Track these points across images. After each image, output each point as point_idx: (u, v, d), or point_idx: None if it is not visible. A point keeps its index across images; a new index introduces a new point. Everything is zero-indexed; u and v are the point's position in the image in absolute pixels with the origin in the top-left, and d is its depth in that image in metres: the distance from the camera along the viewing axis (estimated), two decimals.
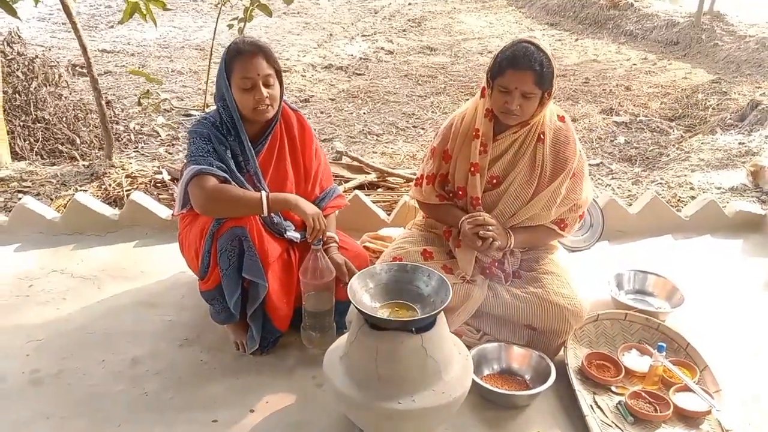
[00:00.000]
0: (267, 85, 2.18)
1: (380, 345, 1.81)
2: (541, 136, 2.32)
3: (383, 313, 1.91)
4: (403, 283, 2.00)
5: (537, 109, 2.24)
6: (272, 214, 2.27)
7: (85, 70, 7.27)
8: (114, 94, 6.56)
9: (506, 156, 2.34)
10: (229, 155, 2.21)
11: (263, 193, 2.14)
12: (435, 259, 2.38)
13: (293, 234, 2.34)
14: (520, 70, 2.14)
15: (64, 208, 3.30)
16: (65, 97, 5.39)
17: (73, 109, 5.36)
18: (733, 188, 4.00)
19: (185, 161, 2.23)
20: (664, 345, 2.18)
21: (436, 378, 1.84)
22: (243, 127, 2.23)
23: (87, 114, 5.33)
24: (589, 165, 3.86)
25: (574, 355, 2.30)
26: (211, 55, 4.13)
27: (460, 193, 2.39)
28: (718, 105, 6.26)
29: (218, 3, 3.57)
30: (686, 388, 2.14)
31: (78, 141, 5.06)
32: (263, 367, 2.29)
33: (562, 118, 2.38)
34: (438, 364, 1.84)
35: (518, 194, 2.34)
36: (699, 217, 3.29)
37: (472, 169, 2.32)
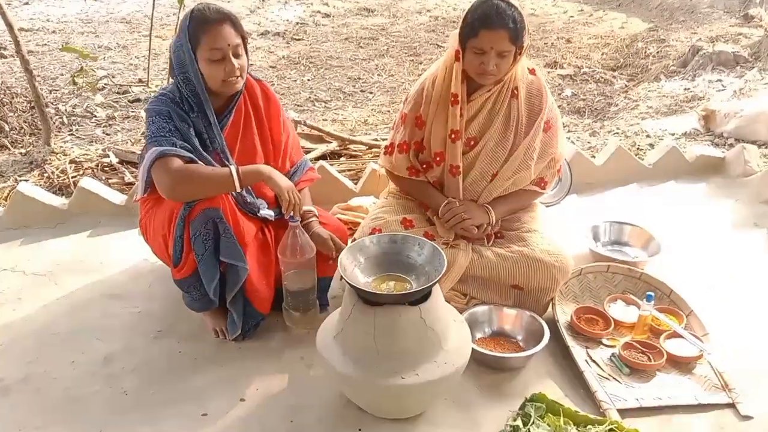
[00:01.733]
0: (236, 56, 2.03)
1: (378, 321, 1.74)
2: (515, 91, 2.27)
3: (376, 287, 1.84)
4: (394, 255, 1.93)
5: (511, 66, 2.18)
6: (245, 193, 2.15)
7: (3, 51, 6.85)
8: (39, 75, 6.12)
9: (481, 115, 2.28)
10: (193, 133, 2.06)
11: (232, 167, 2.00)
12: (415, 227, 2.31)
13: (267, 212, 2.22)
14: (494, 29, 2.06)
15: (5, 200, 3.07)
16: None
17: None
18: (686, 133, 4.07)
19: (145, 143, 2.07)
20: (652, 294, 2.18)
21: (437, 349, 1.79)
22: (209, 102, 2.08)
23: (13, 98, 4.97)
24: None
25: (562, 311, 2.29)
26: (151, 27, 3.88)
27: (438, 159, 2.31)
28: (658, 53, 6.36)
29: None
30: (676, 335, 2.15)
31: (6, 128, 4.70)
32: (248, 353, 2.18)
33: (533, 71, 2.32)
34: (438, 335, 1.79)
35: (495, 153, 2.29)
36: (662, 164, 3.33)
37: (453, 136, 2.25)
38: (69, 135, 4.78)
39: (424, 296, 1.79)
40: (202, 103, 2.06)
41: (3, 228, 2.91)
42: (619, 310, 2.30)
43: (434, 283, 1.77)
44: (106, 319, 2.36)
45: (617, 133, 4.17)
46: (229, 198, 2.06)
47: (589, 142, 4.03)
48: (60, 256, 2.74)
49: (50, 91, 5.58)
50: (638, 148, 3.84)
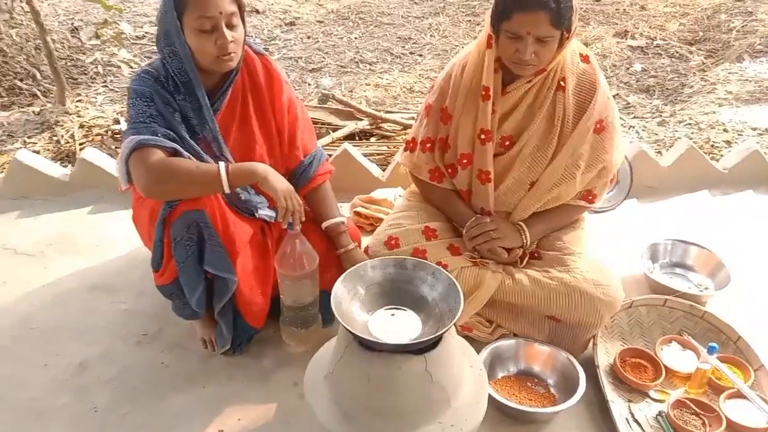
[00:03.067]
0: (230, 27, 1.70)
1: (372, 370, 1.44)
2: (561, 83, 1.87)
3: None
4: (403, 283, 1.60)
5: (556, 52, 1.79)
6: (239, 190, 1.85)
7: None
8: (81, 20, 5.95)
9: (519, 110, 1.91)
10: (179, 118, 1.75)
11: (221, 165, 1.70)
12: (439, 239, 1.98)
13: (267, 212, 1.92)
14: (530, 11, 1.67)
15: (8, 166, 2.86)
16: (26, 25, 4.81)
17: (34, 39, 4.77)
18: None
19: (125, 128, 1.78)
20: (716, 347, 1.80)
21: (443, 407, 1.48)
22: (199, 81, 1.77)
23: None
24: None
25: (605, 351, 1.94)
26: None
27: (464, 161, 1.95)
28: (743, 27, 5.69)
29: None
30: (739, 395, 1.79)
31: (39, 76, 4.52)
32: (236, 371, 1.93)
33: (586, 58, 1.92)
34: (445, 390, 1.47)
35: (534, 157, 1.93)
36: (739, 169, 2.87)
37: (483, 136, 1.89)
38: (103, 86, 4.57)
39: (433, 342, 1.47)
40: (191, 82, 1.75)
41: (1, 197, 2.71)
42: (673, 355, 1.94)
43: (446, 330, 1.45)
44: (90, 315, 2.14)
45: (690, 123, 3.68)
46: (218, 196, 1.76)
47: (656, 134, 3.57)
48: (54, 235, 2.52)
49: (89, 38, 5.37)
50: (713, 145, 3.36)
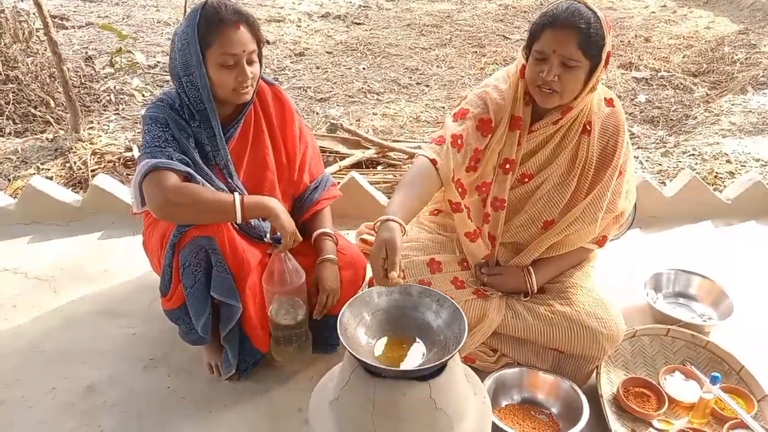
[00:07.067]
0: (250, 63, 1.77)
1: (377, 396, 1.45)
2: (587, 126, 1.88)
3: (381, 351, 1.55)
4: (407, 310, 1.62)
5: (584, 97, 1.78)
6: None
7: (64, 22, 6.82)
8: (95, 49, 6.08)
9: (544, 150, 1.91)
10: (192, 144, 1.81)
11: (236, 195, 1.74)
12: (444, 272, 1.99)
13: (276, 236, 1.95)
14: (559, 28, 1.68)
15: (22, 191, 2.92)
16: (41, 54, 4.91)
17: (49, 67, 4.87)
18: None
19: (140, 152, 1.83)
20: (719, 376, 1.81)
21: None
22: (215, 111, 1.82)
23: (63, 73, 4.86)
24: None
25: (608, 381, 1.95)
26: (185, 9, 3.64)
27: (483, 189, 1.96)
28: (746, 59, 5.76)
29: None
30: (742, 425, 1.79)
31: (53, 103, 4.61)
32: (241, 396, 1.94)
33: (610, 102, 1.92)
34: (449, 418, 1.49)
35: (551, 197, 1.92)
36: (742, 199, 2.90)
37: (508, 165, 1.90)
38: (114, 114, 4.65)
39: (437, 369, 1.49)
40: (206, 111, 1.80)
41: (13, 222, 2.76)
42: (676, 385, 1.95)
43: (450, 357, 1.47)
44: (98, 339, 2.16)
45: (693, 154, 3.71)
46: (228, 223, 1.80)
47: (659, 164, 3.60)
48: (65, 259, 2.56)
49: (103, 66, 5.48)
50: (716, 176, 3.40)
